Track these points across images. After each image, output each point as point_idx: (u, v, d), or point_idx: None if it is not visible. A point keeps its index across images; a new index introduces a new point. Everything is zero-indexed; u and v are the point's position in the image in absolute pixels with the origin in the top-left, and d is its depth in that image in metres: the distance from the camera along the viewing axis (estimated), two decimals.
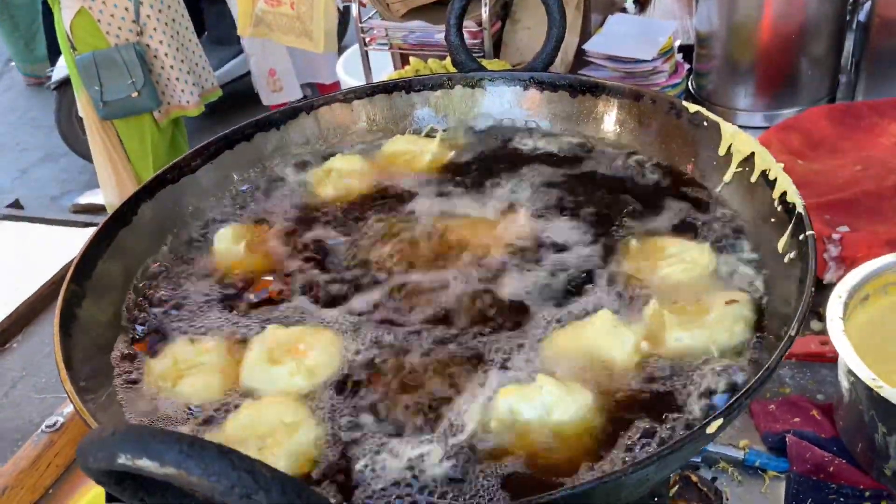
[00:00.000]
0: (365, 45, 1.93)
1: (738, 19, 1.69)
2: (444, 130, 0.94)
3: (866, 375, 0.92)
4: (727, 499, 1.04)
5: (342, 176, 0.93)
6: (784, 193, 0.67)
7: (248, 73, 4.24)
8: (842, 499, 0.99)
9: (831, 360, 1.11)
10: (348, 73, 3.02)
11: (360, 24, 1.88)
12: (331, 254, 0.87)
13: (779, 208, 0.67)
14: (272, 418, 0.66)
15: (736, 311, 0.62)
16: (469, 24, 1.77)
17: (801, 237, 0.62)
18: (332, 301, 0.80)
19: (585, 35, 1.88)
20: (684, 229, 0.76)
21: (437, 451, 0.59)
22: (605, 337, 0.62)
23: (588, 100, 0.88)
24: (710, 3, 1.74)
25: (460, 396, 0.64)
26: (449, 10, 0.92)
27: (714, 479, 1.06)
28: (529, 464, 0.58)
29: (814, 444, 1.05)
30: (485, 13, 1.72)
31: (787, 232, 0.64)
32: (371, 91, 0.98)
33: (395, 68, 2.03)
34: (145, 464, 0.35)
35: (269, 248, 0.88)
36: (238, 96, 4.35)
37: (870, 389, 0.91)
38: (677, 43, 1.93)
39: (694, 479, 1.02)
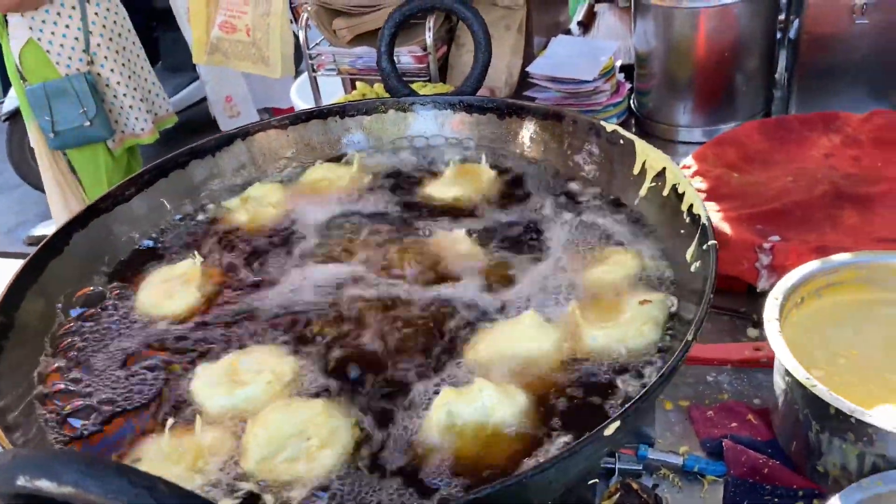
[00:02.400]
0: (313, 70, 1.96)
1: (674, 38, 1.75)
2: (360, 153, 0.96)
3: (801, 374, 0.95)
4: None
5: (259, 204, 0.94)
6: (691, 206, 0.70)
7: (205, 98, 4.24)
8: (776, 499, 1.02)
9: (765, 365, 1.14)
10: (301, 98, 3.04)
11: (307, 51, 1.91)
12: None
13: (687, 220, 0.70)
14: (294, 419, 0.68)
15: (648, 310, 0.65)
16: (414, 49, 1.81)
17: (704, 247, 0.65)
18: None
19: (529, 57, 1.93)
20: (606, 238, 0.79)
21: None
22: (531, 337, 0.65)
23: (515, 121, 0.91)
24: (646, 24, 1.79)
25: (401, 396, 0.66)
26: (379, 37, 0.95)
27: (655, 485, 1.09)
28: (462, 466, 0.59)
29: (750, 447, 1.08)
30: (429, 38, 1.76)
31: (694, 242, 0.67)
32: (306, 117, 0.99)
33: (346, 93, 2.05)
34: (44, 484, 0.36)
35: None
36: (195, 122, 4.34)
37: (804, 388, 0.94)
38: (618, 63, 1.99)
39: (635, 486, 1.04)
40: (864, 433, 0.89)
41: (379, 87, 1.72)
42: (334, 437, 0.65)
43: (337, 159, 0.99)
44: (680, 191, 0.72)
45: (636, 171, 0.79)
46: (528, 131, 0.91)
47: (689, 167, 1.50)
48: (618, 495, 1.04)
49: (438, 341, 0.70)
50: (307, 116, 1.00)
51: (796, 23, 1.73)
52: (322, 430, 0.66)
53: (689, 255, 0.67)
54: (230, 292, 0.86)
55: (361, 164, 0.95)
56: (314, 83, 1.96)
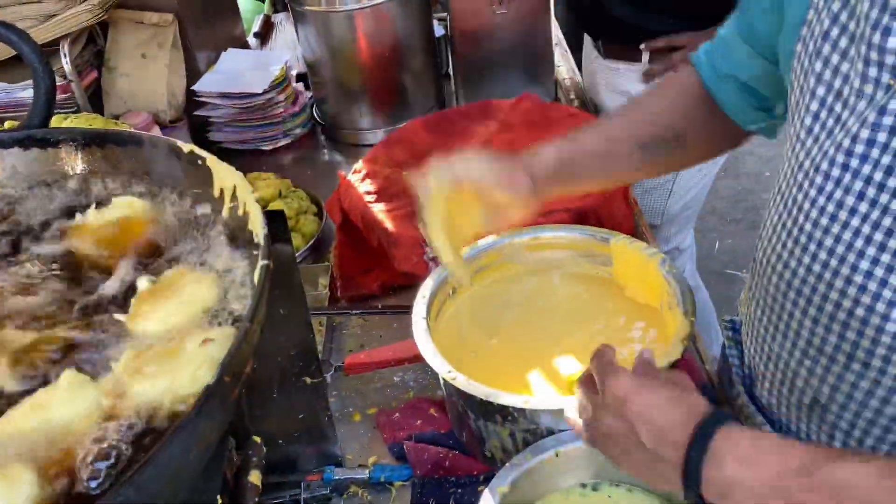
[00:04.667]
0: None
1: (336, 44, 1.74)
2: None
3: (443, 369, 0.96)
4: None
5: None
6: (253, 225, 0.65)
7: None
8: (460, 489, 1.03)
9: None
10: None
11: None
12: None
13: (256, 240, 0.65)
14: None
15: (208, 351, 0.58)
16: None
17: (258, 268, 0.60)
18: None
19: (195, 75, 1.82)
20: (190, 267, 0.71)
21: None
22: (67, 402, 0.55)
23: (95, 151, 0.81)
24: (308, 31, 1.76)
25: None
26: None
27: None
28: None
29: (433, 442, 1.08)
30: (66, 64, 1.58)
31: (258, 263, 0.62)
32: None
33: None
34: None
35: None
36: None
37: (449, 382, 0.95)
38: (294, 72, 1.94)
39: None
40: (507, 413, 0.91)
41: (10, 125, 1.51)
42: None
43: None
44: (247, 209, 0.67)
45: (216, 192, 0.73)
46: (109, 160, 0.81)
47: (359, 171, 1.49)
48: None
49: None
50: None
51: (448, 19, 1.80)
52: None
53: (255, 277, 0.62)
54: None
55: None
56: None
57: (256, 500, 0.85)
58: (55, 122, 1.51)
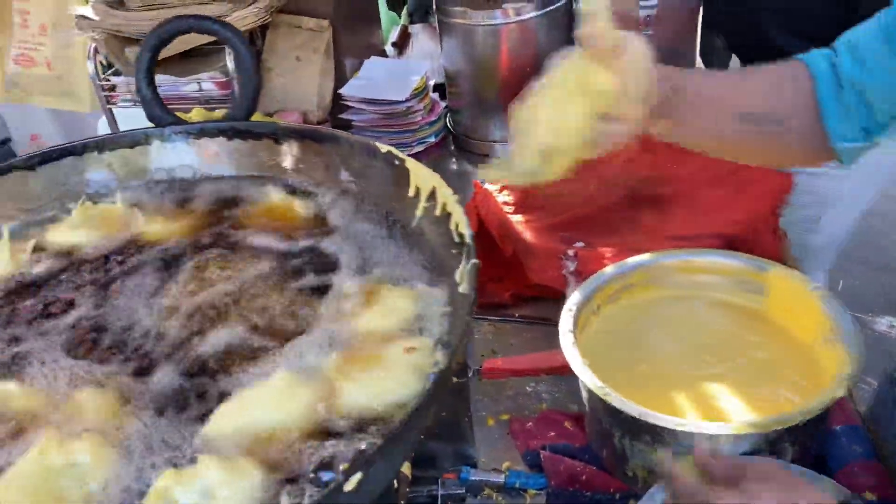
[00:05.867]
0: (109, 103, 1.82)
1: (478, 57, 1.78)
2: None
3: (594, 384, 0.96)
4: None
5: None
6: (457, 225, 0.68)
7: (9, 139, 3.87)
8: None
9: None
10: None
11: (98, 82, 1.77)
12: None
13: (457, 240, 0.68)
14: None
15: (413, 359, 0.61)
16: (216, 75, 1.72)
17: (468, 266, 0.63)
18: None
19: (342, 79, 1.90)
20: (387, 273, 0.75)
21: None
22: (281, 402, 0.59)
23: (293, 146, 0.87)
24: (451, 43, 1.81)
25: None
26: (137, 63, 0.87)
27: None
28: None
29: (568, 455, 1.09)
30: (230, 63, 1.68)
31: (462, 262, 0.65)
32: (59, 154, 0.88)
33: None
34: None
35: None
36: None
37: (600, 397, 0.95)
38: (431, 82, 2.00)
39: None
40: (658, 434, 0.91)
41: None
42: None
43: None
44: (448, 210, 0.70)
45: (412, 192, 0.77)
46: (308, 155, 0.87)
47: (497, 182, 1.52)
48: None
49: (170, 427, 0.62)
50: (60, 153, 0.89)
51: None
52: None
53: (458, 275, 0.65)
54: None
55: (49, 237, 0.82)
56: (110, 116, 1.82)
57: (407, 490, 0.88)
58: (217, 116, 1.61)
